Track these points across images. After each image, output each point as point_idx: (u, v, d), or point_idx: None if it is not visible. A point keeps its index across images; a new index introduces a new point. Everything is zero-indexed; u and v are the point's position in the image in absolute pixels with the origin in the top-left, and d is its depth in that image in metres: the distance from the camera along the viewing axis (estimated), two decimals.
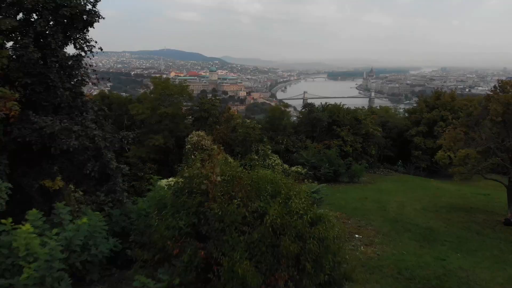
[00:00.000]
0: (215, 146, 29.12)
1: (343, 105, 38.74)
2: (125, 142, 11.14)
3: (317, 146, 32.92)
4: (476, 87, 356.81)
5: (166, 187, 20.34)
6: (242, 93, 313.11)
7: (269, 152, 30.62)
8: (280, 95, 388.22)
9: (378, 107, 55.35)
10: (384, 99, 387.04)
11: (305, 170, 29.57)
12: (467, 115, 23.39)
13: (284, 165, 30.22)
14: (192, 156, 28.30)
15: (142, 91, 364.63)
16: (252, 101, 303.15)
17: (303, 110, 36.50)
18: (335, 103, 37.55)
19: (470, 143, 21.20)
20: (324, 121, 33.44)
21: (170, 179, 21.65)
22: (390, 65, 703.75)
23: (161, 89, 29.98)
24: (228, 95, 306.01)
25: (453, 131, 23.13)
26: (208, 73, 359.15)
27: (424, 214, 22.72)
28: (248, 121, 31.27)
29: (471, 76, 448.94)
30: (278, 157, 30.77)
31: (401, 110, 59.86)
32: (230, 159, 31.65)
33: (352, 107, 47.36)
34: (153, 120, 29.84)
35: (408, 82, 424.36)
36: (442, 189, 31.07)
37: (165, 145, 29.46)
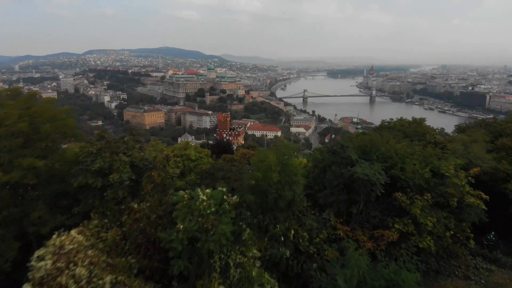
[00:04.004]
0: (109, 278, 10.52)
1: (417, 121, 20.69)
2: None
3: (362, 240, 14.35)
4: (478, 85, 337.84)
5: None
6: (241, 92, 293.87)
7: (253, 273, 12.04)
8: (279, 93, 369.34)
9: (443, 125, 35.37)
10: (385, 97, 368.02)
11: None
12: None
13: None
14: None
15: (139, 89, 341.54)
16: (251, 100, 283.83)
17: (327, 151, 17.26)
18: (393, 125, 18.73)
19: None
20: (377, 187, 14.71)
21: None
22: (390, 63, 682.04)
23: None
24: (227, 94, 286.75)
25: None
26: (206, 71, 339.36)
27: None
28: (207, 191, 12.43)
29: (472, 74, 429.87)
30: (276, 284, 12.22)
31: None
32: None
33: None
34: None
35: (409, 80, 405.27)
36: None
37: None
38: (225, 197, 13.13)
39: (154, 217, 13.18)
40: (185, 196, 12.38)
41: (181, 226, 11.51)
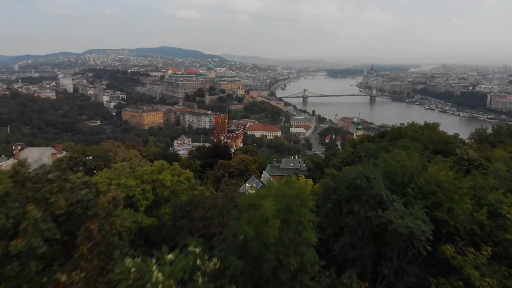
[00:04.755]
0: None
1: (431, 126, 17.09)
2: None
3: None
4: (479, 85, 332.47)
5: None
6: (241, 92, 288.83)
7: None
8: (279, 93, 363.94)
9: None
10: (385, 97, 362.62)
11: None
12: None
13: None
14: None
15: (138, 89, 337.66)
16: (250, 100, 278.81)
17: (346, 184, 12.74)
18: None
19: None
20: (422, 243, 10.33)
21: None
22: (390, 62, 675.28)
23: None
24: (226, 94, 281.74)
25: None
26: (206, 71, 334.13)
27: None
28: (169, 258, 7.99)
29: (472, 73, 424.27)
30: None
31: None
32: None
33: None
34: None
35: (409, 79, 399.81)
36: None
37: None
38: (198, 262, 8.65)
39: None
40: (132, 270, 7.85)
41: None
